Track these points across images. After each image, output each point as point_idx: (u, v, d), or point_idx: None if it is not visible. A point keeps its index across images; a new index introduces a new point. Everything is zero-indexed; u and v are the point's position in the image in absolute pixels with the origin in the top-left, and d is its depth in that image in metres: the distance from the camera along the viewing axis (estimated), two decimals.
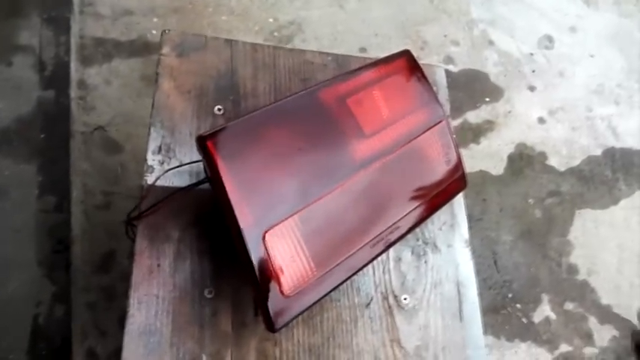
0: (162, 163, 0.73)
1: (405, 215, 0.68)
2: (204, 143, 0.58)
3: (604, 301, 1.53)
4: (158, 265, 0.67)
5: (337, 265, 0.62)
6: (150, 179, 0.71)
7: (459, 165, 0.76)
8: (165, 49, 0.82)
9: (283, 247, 0.59)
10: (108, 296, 1.21)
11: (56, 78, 1.39)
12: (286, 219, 0.59)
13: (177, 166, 0.72)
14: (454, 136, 0.77)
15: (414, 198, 0.69)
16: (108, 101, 1.44)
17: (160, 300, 0.65)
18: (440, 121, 0.75)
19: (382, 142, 0.68)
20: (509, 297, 1.48)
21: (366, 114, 0.68)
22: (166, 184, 0.72)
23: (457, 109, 1.73)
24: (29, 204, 1.21)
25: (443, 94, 0.93)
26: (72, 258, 1.19)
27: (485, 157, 1.69)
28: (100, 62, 1.50)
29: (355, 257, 0.63)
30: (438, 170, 0.73)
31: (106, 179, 1.33)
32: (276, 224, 0.58)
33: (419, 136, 0.72)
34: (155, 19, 1.62)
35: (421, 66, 0.80)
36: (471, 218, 0.85)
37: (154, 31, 1.58)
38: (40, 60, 1.40)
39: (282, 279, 0.58)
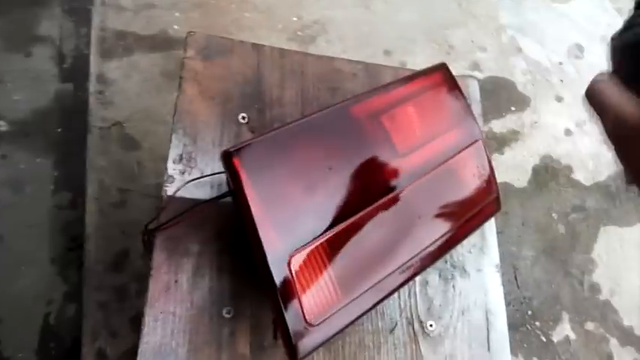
0: (183, 172, 0.70)
1: (437, 240, 0.64)
2: (229, 159, 0.55)
3: (626, 322, 1.48)
4: (176, 281, 0.64)
5: (365, 291, 0.59)
6: (170, 190, 0.68)
7: (493, 187, 0.72)
8: (190, 52, 0.79)
9: (309, 272, 0.55)
10: (120, 296, 1.19)
11: (75, 71, 1.37)
12: (313, 242, 0.56)
13: (199, 177, 0.69)
14: (489, 155, 0.73)
15: (447, 221, 0.66)
16: (127, 96, 1.41)
17: (177, 318, 0.62)
18: (476, 141, 0.71)
19: (416, 162, 0.64)
20: (528, 314, 1.44)
21: (400, 132, 0.65)
22: (187, 196, 0.69)
23: (482, 118, 1.68)
24: (44, 199, 1.20)
25: (476, 108, 0.90)
26: (85, 256, 1.17)
27: (509, 169, 1.64)
28: (120, 56, 1.47)
29: (384, 283, 0.60)
30: (472, 192, 0.69)
31: (122, 176, 1.31)
32: (303, 248, 0.55)
33: (454, 156, 0.68)
34: (177, 14, 1.59)
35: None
36: None
37: (176, 26, 1.55)
38: (59, 52, 1.38)
39: (307, 306, 0.55)
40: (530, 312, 1.44)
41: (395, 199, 0.62)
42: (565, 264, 1.53)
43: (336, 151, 0.61)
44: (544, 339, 1.42)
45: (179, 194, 0.68)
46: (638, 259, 1.58)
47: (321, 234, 0.56)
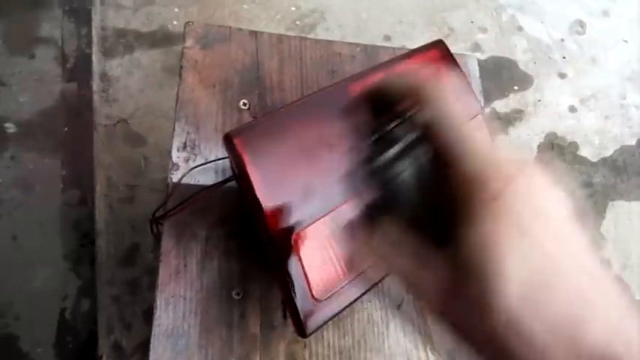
0: (187, 160, 0.72)
1: None
2: (231, 141, 0.56)
3: (639, 296, 1.48)
4: (185, 266, 0.65)
5: (370, 267, 0.59)
6: (175, 177, 0.70)
7: None
8: (189, 42, 0.79)
9: (314, 249, 0.56)
10: (132, 289, 1.21)
11: (78, 70, 1.39)
12: (317, 220, 0.57)
13: (203, 164, 0.70)
14: (489, 129, 0.74)
15: None
16: (130, 93, 1.43)
17: (188, 301, 0.63)
18: (476, 115, 0.71)
19: None
20: None
21: None
22: (192, 182, 0.70)
23: (484, 99, 1.68)
24: (54, 198, 1.21)
25: (476, 86, 0.90)
26: (97, 252, 1.19)
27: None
28: (121, 54, 1.48)
29: None
30: None
31: (130, 172, 1.33)
32: (307, 225, 0.56)
33: None
34: (176, 9, 1.60)
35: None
36: None
37: (175, 22, 1.56)
38: (62, 52, 1.40)
39: (313, 282, 0.56)
40: None
41: None
42: None
43: (335, 129, 0.61)
44: None
45: (184, 181, 0.70)
46: None
47: (324, 211, 0.57)
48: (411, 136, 0.30)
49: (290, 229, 0.56)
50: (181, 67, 0.78)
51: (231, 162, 0.64)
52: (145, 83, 1.45)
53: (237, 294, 0.65)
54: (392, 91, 0.32)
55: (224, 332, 0.63)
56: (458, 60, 0.86)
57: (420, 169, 0.30)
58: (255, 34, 0.83)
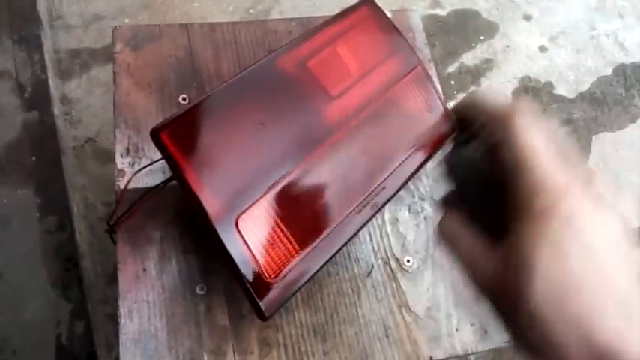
0: (132, 164, 0.70)
1: (391, 174, 0.63)
2: (158, 136, 0.55)
3: (636, 225, 1.45)
4: (144, 270, 0.64)
5: (323, 239, 0.58)
6: (122, 183, 0.68)
7: (443, 110, 0.70)
8: (119, 46, 0.78)
9: (259, 230, 0.55)
10: None
11: (37, 98, 1.37)
12: (258, 200, 0.55)
13: (146, 166, 0.69)
14: (434, 79, 0.72)
15: (398, 154, 0.65)
16: (93, 112, 1.42)
17: (151, 304, 0.63)
18: (415, 67, 0.69)
19: (352, 100, 0.63)
20: None
21: (330, 74, 0.63)
22: (140, 186, 0.69)
23: (452, 54, 1.65)
24: (32, 228, 1.21)
25: (420, 39, 0.88)
26: (83, 273, 1.18)
27: None
28: (79, 74, 1.47)
29: (342, 227, 0.59)
30: (421, 119, 0.68)
31: (105, 190, 1.32)
32: (248, 207, 0.55)
33: (393, 86, 0.66)
34: (127, 20, 1.58)
35: (389, 13, 0.74)
36: None
37: None
38: (18, 83, 1.38)
39: (264, 264, 0.54)
40: None
41: (336, 142, 0.61)
42: None
43: (266, 106, 0.60)
44: None
45: (133, 186, 0.69)
46: (636, 159, 1.55)
47: (265, 190, 0.56)
48: (481, 147, 0.35)
49: (231, 214, 0.54)
50: (114, 72, 0.76)
51: None
52: (106, 99, 1.43)
53: (201, 289, 0.64)
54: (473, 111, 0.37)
55: (192, 329, 0.62)
56: (399, 16, 0.84)
57: (486, 177, 0.34)
58: (185, 26, 0.82)
